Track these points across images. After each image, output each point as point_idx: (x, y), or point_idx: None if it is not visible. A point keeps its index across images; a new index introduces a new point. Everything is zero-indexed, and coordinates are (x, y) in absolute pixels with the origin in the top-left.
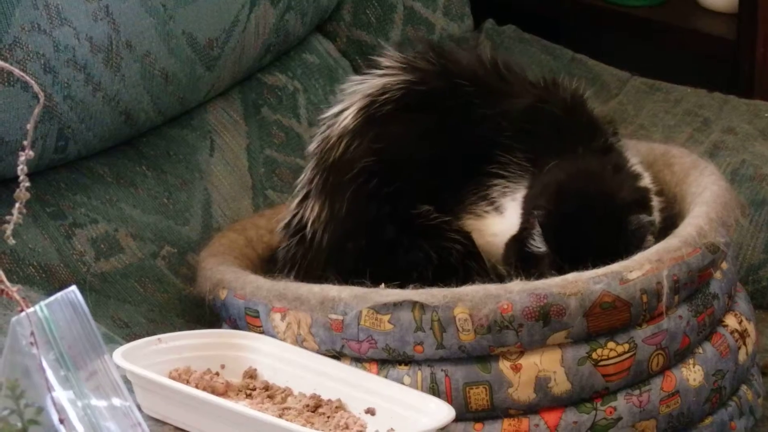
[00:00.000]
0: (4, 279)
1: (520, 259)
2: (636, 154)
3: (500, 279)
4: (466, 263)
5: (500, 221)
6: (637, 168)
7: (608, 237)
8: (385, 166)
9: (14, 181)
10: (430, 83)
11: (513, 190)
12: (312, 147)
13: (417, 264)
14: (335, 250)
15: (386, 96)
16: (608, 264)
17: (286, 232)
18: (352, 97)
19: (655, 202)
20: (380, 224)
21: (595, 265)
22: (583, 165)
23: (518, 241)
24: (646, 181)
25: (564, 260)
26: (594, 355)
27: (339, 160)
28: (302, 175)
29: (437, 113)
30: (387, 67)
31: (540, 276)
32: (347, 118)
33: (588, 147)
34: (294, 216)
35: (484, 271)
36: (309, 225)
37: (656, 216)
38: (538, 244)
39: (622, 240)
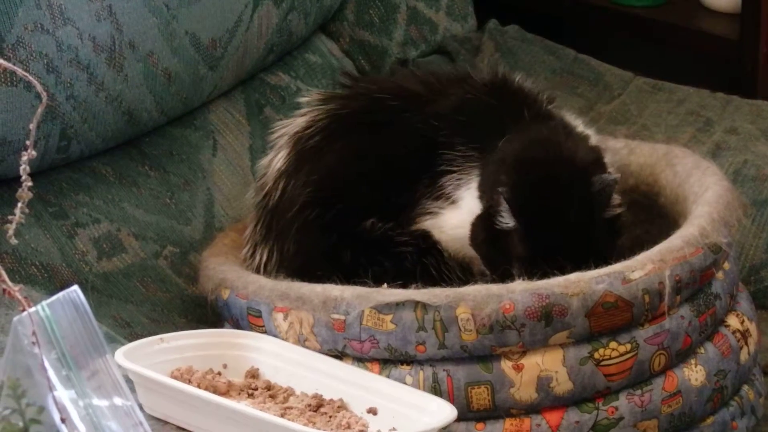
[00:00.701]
0: (6, 278)
1: (487, 238)
2: (576, 116)
3: (464, 271)
4: (422, 261)
5: (458, 213)
6: (582, 128)
7: (575, 201)
8: (324, 194)
9: (17, 180)
10: (351, 105)
11: (466, 182)
12: (250, 197)
13: (379, 278)
14: None
15: (311, 129)
16: (578, 228)
17: None
18: (280, 140)
19: (608, 158)
20: (334, 252)
21: (564, 232)
22: (534, 135)
23: (485, 220)
24: (594, 139)
25: (534, 232)
26: (596, 355)
27: (279, 202)
28: (247, 229)
29: (364, 131)
30: (308, 104)
31: (511, 253)
32: (279, 161)
33: (527, 120)
34: (250, 268)
35: (442, 264)
36: (262, 271)
37: (613, 172)
38: (506, 220)
39: (590, 202)
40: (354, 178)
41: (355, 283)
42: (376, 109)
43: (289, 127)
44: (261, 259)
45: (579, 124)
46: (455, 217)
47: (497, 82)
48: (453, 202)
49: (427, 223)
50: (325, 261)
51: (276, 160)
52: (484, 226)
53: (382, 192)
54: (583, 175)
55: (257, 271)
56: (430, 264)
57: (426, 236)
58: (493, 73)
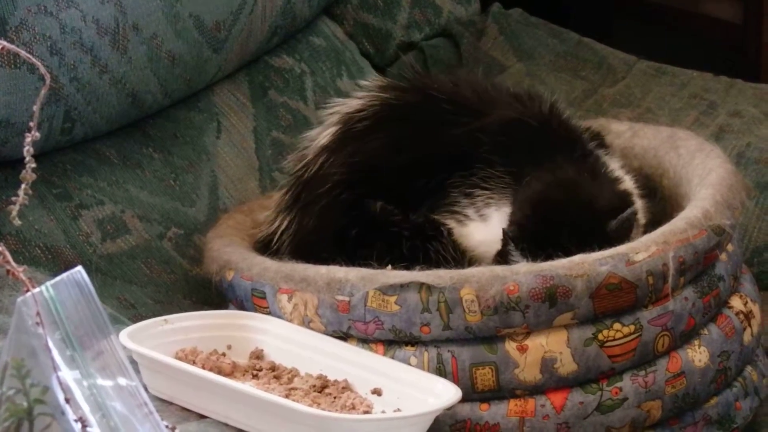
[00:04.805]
0: (11, 259)
1: None
2: (617, 159)
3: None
4: (425, 246)
5: (484, 229)
6: (617, 173)
7: (589, 244)
8: (356, 177)
9: (21, 162)
10: (405, 98)
11: (497, 201)
12: (287, 166)
13: (372, 257)
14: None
15: (363, 113)
16: None
17: (256, 248)
18: (332, 117)
19: (639, 204)
20: (345, 230)
21: None
22: (557, 176)
23: (502, 257)
24: (627, 184)
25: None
26: (600, 336)
27: (314, 176)
28: (277, 195)
29: (410, 125)
30: (367, 88)
31: None
32: (325, 138)
33: (566, 157)
34: (266, 234)
35: (442, 250)
36: (276, 238)
37: (641, 218)
38: (516, 258)
39: (606, 245)
40: (387, 168)
41: (358, 265)
42: (427, 109)
43: (342, 107)
44: (280, 226)
45: (615, 168)
46: (480, 232)
47: (552, 111)
48: (481, 217)
49: (451, 225)
50: (333, 241)
51: (322, 135)
52: (500, 263)
53: (410, 188)
54: (600, 218)
55: (272, 236)
56: (431, 250)
57: (433, 223)
58: (551, 103)
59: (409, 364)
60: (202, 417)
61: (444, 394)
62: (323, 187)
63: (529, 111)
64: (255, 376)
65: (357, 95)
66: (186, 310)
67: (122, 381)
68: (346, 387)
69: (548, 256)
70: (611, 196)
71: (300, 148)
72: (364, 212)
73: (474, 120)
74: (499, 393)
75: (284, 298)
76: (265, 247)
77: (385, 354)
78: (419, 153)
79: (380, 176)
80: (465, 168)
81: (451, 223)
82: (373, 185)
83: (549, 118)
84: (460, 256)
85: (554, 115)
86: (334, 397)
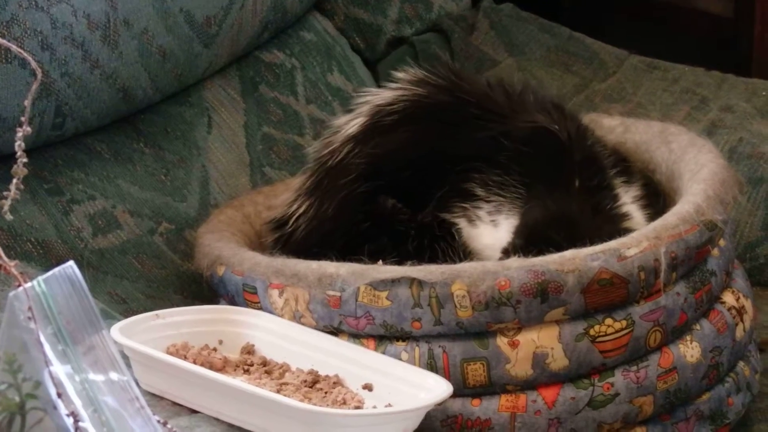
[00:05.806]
0: (2, 254)
1: None
2: (636, 188)
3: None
4: (433, 246)
5: (493, 234)
6: (627, 207)
7: None
8: (377, 171)
9: (12, 157)
10: (436, 97)
11: (507, 211)
12: (312, 151)
13: (376, 254)
14: (307, 247)
15: (393, 107)
16: None
17: (270, 227)
18: (363, 107)
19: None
20: (359, 223)
21: None
22: (558, 208)
23: None
24: (635, 221)
25: None
26: (591, 332)
27: (338, 164)
28: (299, 178)
29: (437, 124)
30: (402, 81)
31: None
32: (353, 127)
33: (581, 184)
34: (283, 214)
35: (451, 250)
36: (291, 221)
37: None
38: None
39: None
40: (408, 164)
41: (350, 260)
42: (455, 109)
43: (374, 97)
44: (298, 209)
45: (628, 201)
46: (488, 236)
47: (579, 130)
48: (492, 222)
49: (461, 224)
50: (347, 232)
51: (351, 124)
52: None
53: (428, 186)
54: None
55: (288, 218)
56: (438, 249)
57: (443, 223)
58: (579, 121)
59: (400, 360)
60: (194, 412)
61: (435, 389)
62: (346, 177)
63: (555, 125)
64: (246, 371)
65: (390, 87)
66: (177, 305)
67: (114, 376)
68: (337, 382)
69: None
70: (608, 235)
71: (327, 134)
72: (377, 208)
73: (499, 125)
74: (490, 388)
75: (275, 293)
76: (279, 227)
77: (376, 349)
78: (440, 151)
79: (401, 172)
80: (483, 171)
81: (462, 223)
82: (393, 180)
83: (577, 137)
84: (468, 258)
85: (582, 136)
86: (325, 393)
